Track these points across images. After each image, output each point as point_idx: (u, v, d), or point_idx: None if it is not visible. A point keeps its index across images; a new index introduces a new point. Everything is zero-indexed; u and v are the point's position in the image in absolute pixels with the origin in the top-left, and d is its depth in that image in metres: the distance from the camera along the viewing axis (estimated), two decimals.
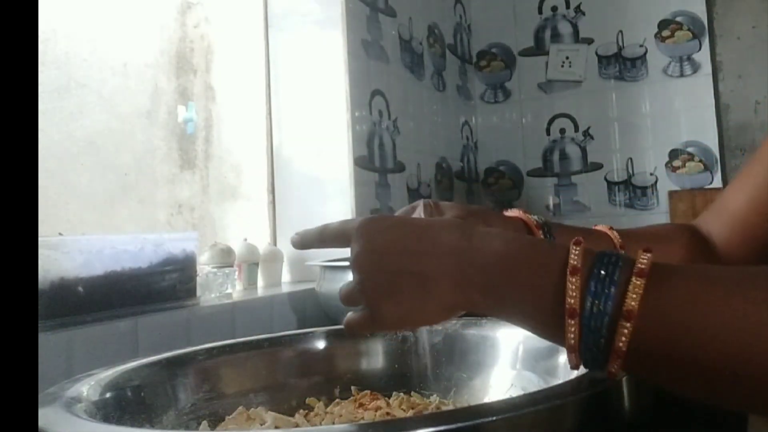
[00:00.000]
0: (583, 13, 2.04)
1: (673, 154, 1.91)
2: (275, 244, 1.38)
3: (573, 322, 0.36)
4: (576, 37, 2.05)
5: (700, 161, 1.88)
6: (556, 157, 2.06)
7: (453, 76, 2.00)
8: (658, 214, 1.92)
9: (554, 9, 2.07)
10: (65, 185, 0.97)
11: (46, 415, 0.41)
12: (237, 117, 1.37)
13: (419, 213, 0.59)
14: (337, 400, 0.63)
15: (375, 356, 0.66)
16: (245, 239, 1.23)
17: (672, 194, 1.89)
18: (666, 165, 1.92)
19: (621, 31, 1.98)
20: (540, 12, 2.09)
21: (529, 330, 0.41)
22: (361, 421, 0.56)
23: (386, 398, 0.62)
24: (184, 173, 1.22)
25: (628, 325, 0.34)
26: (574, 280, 0.36)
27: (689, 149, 1.89)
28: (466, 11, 2.15)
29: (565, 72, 2.05)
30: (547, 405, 0.36)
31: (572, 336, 0.36)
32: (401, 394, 0.63)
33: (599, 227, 0.65)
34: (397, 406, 0.59)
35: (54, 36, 0.97)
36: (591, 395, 0.37)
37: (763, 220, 0.66)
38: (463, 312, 0.42)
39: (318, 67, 1.39)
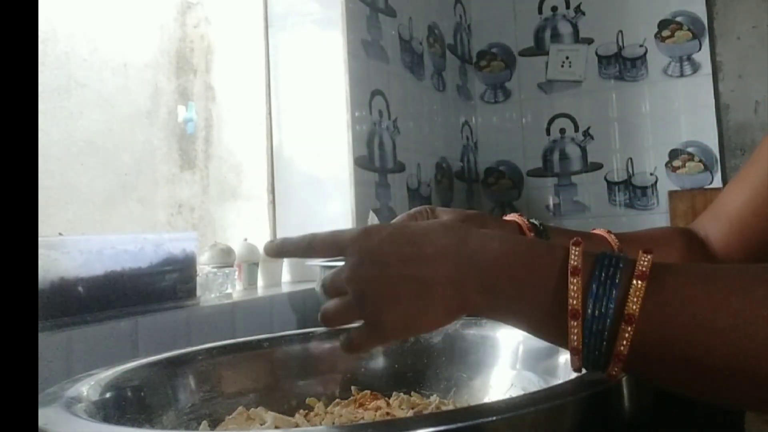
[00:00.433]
0: (583, 13, 2.04)
1: (673, 154, 1.91)
2: None
3: (575, 323, 0.36)
4: (576, 37, 2.05)
5: (700, 161, 1.88)
6: (556, 157, 2.06)
7: (453, 76, 2.00)
8: (658, 215, 1.92)
9: (554, 9, 2.07)
10: (65, 185, 0.97)
11: (46, 415, 0.41)
12: (237, 117, 1.37)
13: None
14: (337, 400, 0.63)
15: (375, 356, 0.66)
16: (245, 239, 1.23)
17: (672, 194, 1.89)
18: (666, 165, 1.92)
19: (621, 31, 1.98)
20: (540, 12, 2.09)
21: (528, 331, 0.41)
22: (361, 421, 0.56)
23: (386, 398, 0.62)
24: (184, 173, 1.22)
25: (629, 329, 0.34)
26: (575, 281, 0.36)
27: (689, 149, 1.89)
28: (466, 11, 2.15)
29: (565, 72, 2.05)
30: (547, 405, 0.36)
31: (575, 338, 0.36)
32: (401, 394, 0.63)
33: (597, 231, 0.66)
34: (397, 406, 0.59)
35: (54, 36, 0.97)
36: (591, 395, 0.37)
37: (760, 221, 0.66)
38: (463, 315, 0.42)
39: (318, 67, 1.39)
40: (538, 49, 2.10)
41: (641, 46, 1.96)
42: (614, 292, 0.35)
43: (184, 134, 1.22)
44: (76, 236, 0.85)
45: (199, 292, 0.95)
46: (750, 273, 0.35)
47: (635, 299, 0.34)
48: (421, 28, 1.79)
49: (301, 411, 0.61)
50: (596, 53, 2.02)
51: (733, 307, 0.33)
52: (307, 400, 0.63)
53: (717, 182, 1.85)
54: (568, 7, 2.06)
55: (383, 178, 1.50)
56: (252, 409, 0.59)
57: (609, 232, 0.65)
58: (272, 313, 1.08)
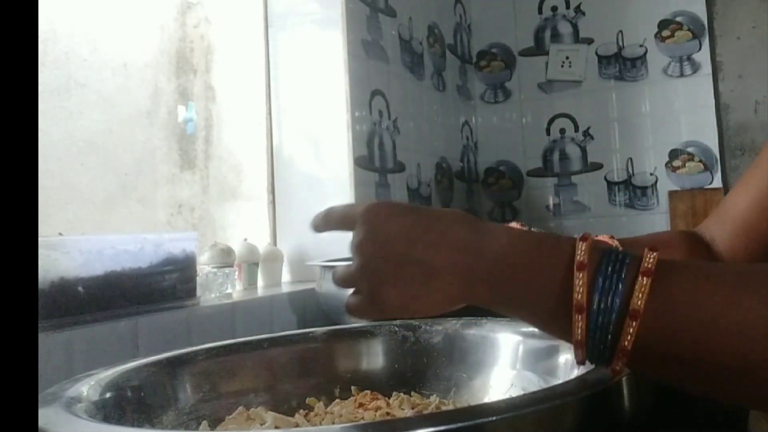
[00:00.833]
0: (583, 13, 2.04)
1: (673, 154, 1.91)
2: (275, 244, 1.38)
3: (580, 317, 0.36)
4: (576, 37, 2.05)
5: (700, 161, 1.88)
6: (556, 157, 2.06)
7: (453, 76, 2.00)
8: (658, 214, 1.92)
9: (554, 9, 2.07)
10: (65, 185, 0.97)
11: (46, 415, 0.41)
12: (237, 117, 1.37)
13: None
14: (337, 400, 0.63)
15: (375, 356, 0.66)
16: (245, 239, 1.23)
17: (672, 194, 1.89)
18: (666, 165, 1.92)
19: (621, 31, 1.98)
20: (540, 12, 2.09)
21: (533, 324, 0.41)
22: (361, 421, 0.56)
23: (386, 398, 0.61)
24: (184, 173, 1.22)
25: (634, 324, 0.34)
26: (580, 275, 0.36)
27: (689, 149, 1.89)
28: (466, 11, 2.15)
29: (565, 72, 2.05)
30: (547, 405, 0.36)
31: (579, 331, 0.36)
32: (401, 394, 0.63)
33: (601, 237, 0.66)
34: (397, 406, 0.59)
35: (54, 36, 0.97)
36: (591, 395, 0.37)
37: (765, 223, 0.66)
38: (464, 304, 0.42)
39: (318, 67, 1.39)
40: (538, 49, 2.10)
41: (641, 46, 1.96)
42: (620, 286, 0.35)
43: (184, 134, 1.22)
44: (76, 236, 0.85)
45: (199, 292, 0.95)
46: (755, 271, 0.35)
47: (640, 295, 0.35)
48: (421, 28, 1.79)
49: (301, 411, 0.61)
50: (596, 53, 2.02)
51: (738, 305, 0.33)
52: (307, 400, 0.63)
53: (717, 182, 1.85)
54: (568, 7, 2.06)
55: (383, 178, 1.50)
56: (252, 409, 0.59)
57: (612, 237, 0.66)
58: (272, 313, 1.08)
